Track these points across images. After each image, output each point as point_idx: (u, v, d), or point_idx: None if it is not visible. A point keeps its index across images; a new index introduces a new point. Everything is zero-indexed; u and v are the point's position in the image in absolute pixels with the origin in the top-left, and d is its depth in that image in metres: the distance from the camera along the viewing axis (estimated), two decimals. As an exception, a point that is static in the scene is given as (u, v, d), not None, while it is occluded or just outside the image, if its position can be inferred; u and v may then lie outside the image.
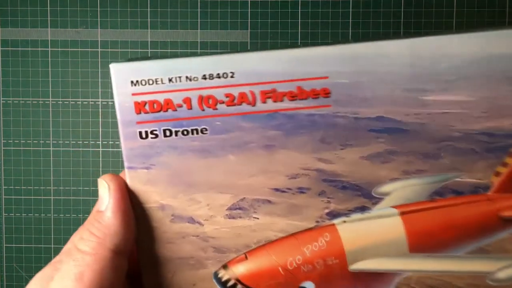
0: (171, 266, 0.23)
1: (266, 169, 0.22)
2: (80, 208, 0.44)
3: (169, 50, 0.43)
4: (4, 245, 0.44)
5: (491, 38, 0.20)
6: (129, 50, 0.43)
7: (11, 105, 0.43)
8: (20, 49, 0.43)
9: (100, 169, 0.43)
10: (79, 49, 0.43)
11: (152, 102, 0.21)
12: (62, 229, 0.44)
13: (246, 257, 0.23)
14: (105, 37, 0.43)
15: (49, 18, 0.43)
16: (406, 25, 0.42)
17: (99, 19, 0.43)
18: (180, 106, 0.21)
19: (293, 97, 0.21)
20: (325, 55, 0.21)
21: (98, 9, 0.43)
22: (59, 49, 0.43)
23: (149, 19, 0.43)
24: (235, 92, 0.21)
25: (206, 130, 0.22)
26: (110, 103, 0.43)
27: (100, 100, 0.43)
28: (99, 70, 0.43)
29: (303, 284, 0.23)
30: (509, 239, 0.22)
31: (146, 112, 0.21)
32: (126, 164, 0.22)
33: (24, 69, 0.43)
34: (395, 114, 0.21)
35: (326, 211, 0.23)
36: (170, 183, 0.22)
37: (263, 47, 0.43)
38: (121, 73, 0.21)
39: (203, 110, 0.21)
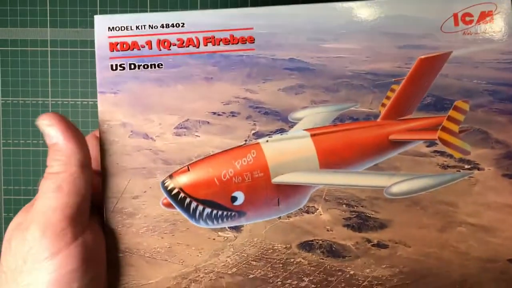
0: (127, 174, 0.28)
1: (206, 96, 0.28)
2: (80, 208, 0.44)
3: (168, 50, 0.43)
4: (4, 245, 0.44)
5: (366, 4, 0.28)
6: (129, 50, 0.43)
7: (10, 105, 0.43)
8: (20, 49, 0.43)
9: (100, 169, 0.43)
10: (79, 49, 0.43)
11: (123, 43, 0.28)
12: (62, 229, 0.44)
13: (188, 169, 0.28)
14: (105, 37, 0.43)
15: (48, 18, 0.43)
16: (406, 24, 0.42)
17: (98, 19, 0.43)
18: (143, 46, 0.28)
19: (227, 42, 0.28)
20: (251, 13, 0.28)
21: (98, 9, 0.43)
22: (59, 49, 0.43)
23: (148, 19, 0.43)
24: (184, 37, 0.28)
25: (162, 65, 0.28)
26: (109, 103, 0.43)
27: (99, 100, 0.43)
28: (99, 70, 0.43)
29: (234, 194, 0.28)
30: (398, 158, 0.28)
31: (118, 50, 0.28)
32: (98, 89, 0.28)
33: (23, 69, 0.43)
34: (303, 57, 0.28)
35: (253, 131, 0.28)
36: (131, 105, 0.28)
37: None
38: (101, 21, 0.28)
39: (160, 50, 0.28)
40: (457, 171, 0.28)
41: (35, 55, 0.43)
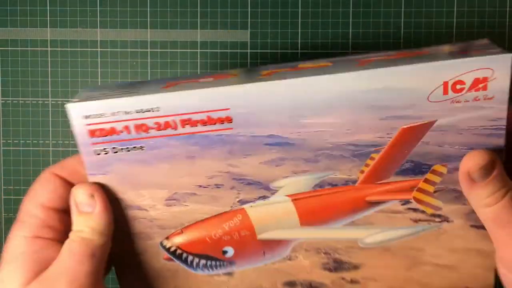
0: (130, 238, 0.31)
1: (191, 172, 0.29)
2: (80, 208, 0.44)
3: (169, 50, 0.43)
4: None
5: (349, 78, 0.27)
6: (129, 50, 0.43)
7: (10, 105, 0.43)
8: (20, 49, 0.43)
9: (100, 169, 0.43)
10: (79, 49, 0.43)
11: (101, 129, 0.28)
12: (62, 229, 0.44)
13: (181, 232, 0.31)
14: (105, 37, 0.43)
15: (48, 18, 0.43)
16: (406, 25, 0.42)
17: (98, 19, 0.43)
18: (122, 132, 0.28)
19: (204, 123, 0.28)
20: (226, 94, 0.27)
21: (98, 9, 0.43)
22: (59, 49, 0.43)
23: (149, 19, 0.43)
24: (161, 121, 0.28)
25: (143, 147, 0.29)
26: (109, 103, 0.43)
27: (99, 100, 0.43)
28: (99, 70, 0.43)
29: (225, 249, 0.31)
30: (373, 215, 0.30)
31: (98, 136, 0.28)
32: (88, 172, 0.29)
33: (23, 69, 0.43)
34: (283, 133, 0.28)
35: (237, 199, 0.30)
36: (121, 184, 0.30)
37: (263, 47, 0.42)
38: (76, 110, 0.28)
39: (139, 133, 0.28)
40: (427, 223, 0.30)
41: (35, 55, 0.43)
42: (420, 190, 0.29)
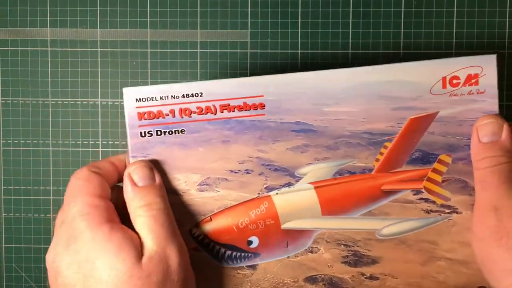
0: None
1: (224, 157, 0.32)
2: (80, 208, 0.44)
3: (169, 50, 0.43)
4: (4, 245, 0.44)
5: (367, 71, 0.31)
6: (129, 50, 0.43)
7: (10, 105, 0.43)
8: (20, 49, 0.43)
9: (100, 169, 0.43)
10: (79, 49, 0.43)
11: (149, 112, 0.31)
12: (62, 229, 0.44)
13: (211, 219, 0.33)
14: (105, 37, 0.43)
15: (49, 18, 0.43)
16: (406, 25, 0.42)
17: (98, 18, 0.43)
18: (168, 115, 0.31)
19: (240, 109, 0.31)
20: (261, 82, 0.31)
21: (98, 8, 0.43)
22: (59, 49, 0.43)
23: (149, 19, 0.43)
24: (203, 105, 0.31)
25: (184, 131, 0.32)
26: (109, 103, 0.43)
27: (99, 100, 0.43)
28: (99, 70, 0.43)
29: (250, 239, 0.32)
30: (388, 205, 0.33)
31: (145, 119, 0.31)
32: (131, 154, 0.32)
33: (23, 69, 0.43)
34: (307, 120, 0.32)
35: (265, 186, 0.32)
36: (159, 167, 0.32)
37: (263, 47, 0.42)
38: (129, 93, 0.31)
39: (182, 117, 0.31)
40: (438, 215, 0.33)
41: (35, 55, 0.43)
42: (430, 180, 0.32)
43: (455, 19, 0.42)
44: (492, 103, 0.32)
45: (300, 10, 0.42)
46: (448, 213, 0.33)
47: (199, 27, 0.43)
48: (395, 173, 0.33)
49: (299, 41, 0.42)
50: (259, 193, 0.33)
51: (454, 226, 0.33)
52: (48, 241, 0.44)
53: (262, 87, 0.31)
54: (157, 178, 0.31)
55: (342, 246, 0.33)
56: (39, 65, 0.43)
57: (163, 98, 0.31)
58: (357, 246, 0.33)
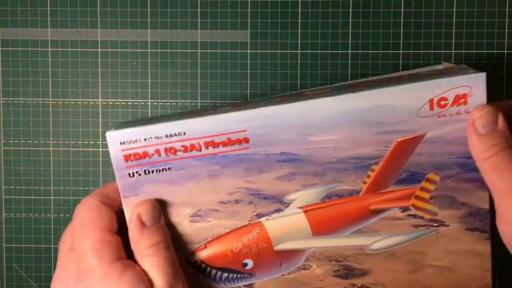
0: None
1: (213, 190, 0.33)
2: (80, 208, 0.44)
3: (169, 50, 0.43)
4: (4, 245, 0.44)
5: (350, 98, 0.31)
6: (129, 50, 0.43)
7: (11, 105, 0.43)
8: (20, 49, 0.43)
9: (100, 169, 0.44)
10: (79, 49, 0.43)
11: (135, 154, 0.32)
12: (62, 229, 0.44)
13: (205, 246, 0.34)
14: (105, 37, 0.43)
15: (49, 18, 0.43)
16: (406, 25, 0.42)
17: (99, 19, 0.43)
18: (153, 154, 0.32)
19: (225, 144, 0.31)
20: (243, 117, 0.31)
21: (98, 9, 0.43)
22: (59, 49, 0.43)
23: (149, 19, 0.43)
24: (187, 143, 0.32)
25: (172, 168, 0.32)
26: (110, 103, 0.43)
27: (100, 100, 0.43)
28: (99, 70, 0.43)
29: (245, 261, 0.34)
30: (376, 223, 0.33)
31: (132, 160, 0.32)
32: (122, 194, 0.32)
33: (24, 69, 0.43)
34: (293, 150, 0.32)
35: (255, 213, 0.33)
36: None
37: (263, 47, 0.43)
38: (113, 137, 0.32)
39: (168, 156, 0.32)
40: (426, 228, 0.33)
41: (35, 55, 0.43)
42: (417, 198, 0.33)
43: (454, 20, 0.42)
44: None
45: (300, 10, 0.42)
46: (436, 226, 0.33)
47: (199, 27, 0.43)
48: (383, 193, 0.33)
49: (299, 41, 0.42)
50: (250, 220, 0.33)
51: (442, 238, 0.33)
52: (48, 241, 0.44)
53: (244, 122, 0.31)
54: (162, 218, 0.32)
55: (333, 261, 0.34)
56: (40, 65, 0.43)
57: (147, 139, 0.31)
58: (348, 261, 0.34)
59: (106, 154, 0.44)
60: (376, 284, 0.34)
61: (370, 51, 0.42)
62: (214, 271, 0.34)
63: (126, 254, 0.32)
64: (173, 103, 0.43)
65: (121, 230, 0.33)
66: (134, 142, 0.32)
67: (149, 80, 0.43)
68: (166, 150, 0.32)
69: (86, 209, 0.32)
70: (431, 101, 0.31)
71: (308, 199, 0.33)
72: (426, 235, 0.33)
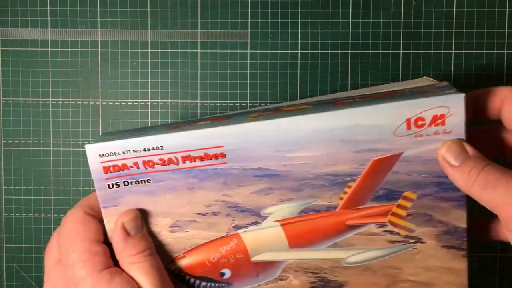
0: None
1: (191, 202, 0.33)
2: (80, 208, 0.44)
3: (169, 50, 0.43)
4: (4, 245, 0.44)
5: (326, 117, 0.31)
6: (129, 50, 0.43)
7: (11, 105, 0.43)
8: (20, 49, 0.43)
9: (100, 169, 0.44)
10: (79, 49, 0.43)
11: (114, 166, 0.32)
12: (62, 229, 0.44)
13: (184, 256, 0.34)
14: (105, 37, 0.43)
15: (49, 18, 0.43)
16: (406, 25, 0.42)
17: (99, 19, 0.43)
18: (132, 167, 0.32)
19: (202, 159, 0.32)
20: (220, 133, 0.31)
21: (98, 9, 0.43)
22: (59, 49, 0.43)
23: (149, 19, 0.43)
24: (165, 157, 0.32)
25: (150, 180, 0.33)
26: (110, 103, 0.43)
27: (100, 100, 0.43)
28: (99, 70, 0.43)
29: (222, 271, 0.34)
30: (353, 237, 0.33)
31: (111, 172, 0.32)
32: (101, 205, 0.33)
33: (24, 69, 0.43)
34: (270, 166, 0.32)
35: (232, 225, 0.34)
36: None
37: (263, 47, 0.43)
38: (92, 150, 0.32)
39: (146, 168, 0.32)
40: (402, 244, 0.33)
41: (35, 55, 0.43)
42: (394, 214, 0.33)
43: (454, 20, 0.42)
44: None
45: (300, 10, 0.42)
46: (413, 242, 0.33)
47: (199, 27, 0.43)
48: (360, 209, 0.33)
49: (299, 41, 0.42)
50: (227, 232, 0.34)
51: (418, 254, 0.33)
52: (48, 241, 0.44)
53: (221, 138, 0.31)
54: (144, 227, 0.33)
55: (310, 273, 0.34)
56: (40, 65, 0.43)
57: (125, 152, 0.32)
58: (324, 273, 0.34)
59: (106, 154, 0.44)
60: None
61: (370, 51, 0.42)
62: (192, 280, 0.34)
63: (113, 262, 0.33)
64: (173, 103, 0.43)
65: (106, 238, 0.34)
66: (112, 155, 0.32)
67: (149, 80, 0.43)
68: (144, 163, 0.32)
69: (71, 220, 0.33)
70: (408, 120, 0.31)
71: (285, 213, 0.34)
72: (403, 251, 0.34)
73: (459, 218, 0.33)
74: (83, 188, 0.44)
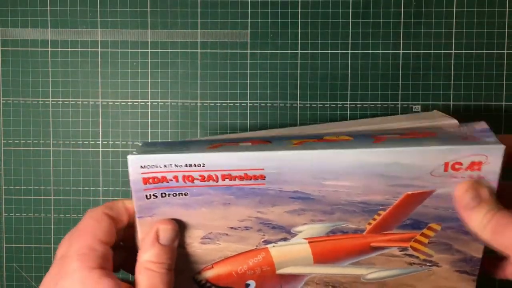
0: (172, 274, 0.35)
1: (225, 217, 0.34)
2: (80, 208, 0.44)
3: (169, 50, 0.43)
4: (4, 245, 0.44)
5: (367, 154, 0.32)
6: (129, 50, 0.43)
7: (11, 105, 0.43)
8: (20, 49, 0.43)
9: (100, 169, 0.44)
10: (79, 49, 0.43)
11: (154, 178, 0.33)
12: (62, 229, 0.44)
13: (212, 267, 0.36)
14: (105, 37, 0.43)
15: (49, 18, 0.43)
16: (406, 25, 0.42)
17: (99, 19, 0.43)
18: (171, 180, 0.33)
19: (241, 178, 0.33)
20: (262, 158, 0.32)
21: (98, 9, 0.43)
22: (59, 49, 0.43)
23: (149, 19, 0.43)
24: (205, 174, 0.33)
25: (188, 194, 0.33)
26: (110, 103, 0.43)
27: (100, 100, 0.43)
28: (99, 70, 0.43)
29: (248, 282, 0.36)
30: (374, 257, 0.35)
31: (150, 183, 0.33)
32: (137, 215, 0.34)
33: (24, 69, 0.43)
34: (306, 190, 0.33)
35: (262, 240, 0.35)
36: None
37: (263, 47, 0.43)
38: (134, 161, 0.32)
39: (185, 183, 0.33)
40: (419, 266, 0.36)
41: (35, 55, 0.43)
42: (417, 241, 0.35)
43: (454, 20, 0.42)
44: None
45: (300, 10, 0.42)
46: (429, 265, 0.36)
47: (199, 27, 0.43)
48: (385, 234, 0.35)
49: (299, 41, 0.42)
50: (257, 246, 0.35)
51: (433, 275, 0.36)
52: (48, 241, 0.44)
53: (263, 161, 0.32)
54: (176, 242, 0.33)
55: (330, 287, 0.36)
56: (40, 65, 0.43)
57: (167, 166, 0.32)
58: (343, 287, 0.36)
59: (106, 154, 0.44)
60: None
61: (370, 51, 0.42)
62: None
63: (115, 268, 0.33)
64: (173, 103, 0.43)
65: (119, 246, 0.34)
66: (154, 167, 0.33)
67: (149, 80, 0.43)
68: (184, 177, 0.33)
69: (89, 217, 0.33)
70: (446, 163, 0.32)
71: (314, 232, 0.35)
72: (419, 271, 0.36)
73: (476, 250, 0.34)
74: (83, 188, 0.44)
